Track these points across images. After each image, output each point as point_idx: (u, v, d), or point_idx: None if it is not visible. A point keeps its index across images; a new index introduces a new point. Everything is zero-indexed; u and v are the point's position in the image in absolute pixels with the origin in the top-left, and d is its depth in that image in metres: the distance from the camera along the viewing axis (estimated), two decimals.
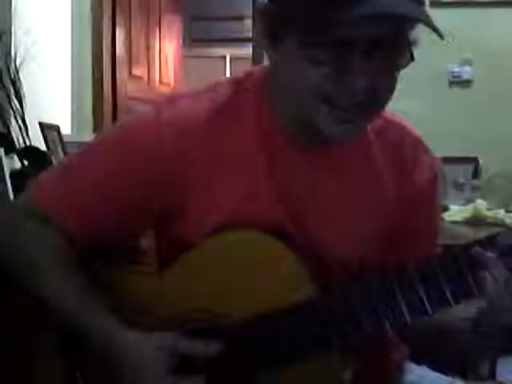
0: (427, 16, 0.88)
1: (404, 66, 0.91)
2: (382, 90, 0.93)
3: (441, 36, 0.86)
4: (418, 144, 1.09)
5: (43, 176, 1.10)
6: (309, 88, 0.91)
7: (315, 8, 0.86)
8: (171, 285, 1.02)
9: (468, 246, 0.90)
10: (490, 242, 0.89)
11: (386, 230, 1.08)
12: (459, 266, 0.89)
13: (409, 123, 1.11)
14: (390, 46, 0.89)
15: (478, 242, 0.89)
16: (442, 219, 2.41)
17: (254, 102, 1.03)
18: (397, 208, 1.07)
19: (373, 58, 0.88)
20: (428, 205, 1.10)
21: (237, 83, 1.05)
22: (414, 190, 1.07)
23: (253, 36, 4.14)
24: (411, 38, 0.91)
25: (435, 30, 0.87)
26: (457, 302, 0.89)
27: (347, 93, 0.90)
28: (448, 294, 0.89)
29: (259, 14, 0.96)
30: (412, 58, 0.91)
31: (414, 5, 0.88)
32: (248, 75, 1.06)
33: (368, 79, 0.88)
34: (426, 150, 1.10)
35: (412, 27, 0.91)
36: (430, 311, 0.90)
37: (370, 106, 0.93)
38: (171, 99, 1.05)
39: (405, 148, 1.08)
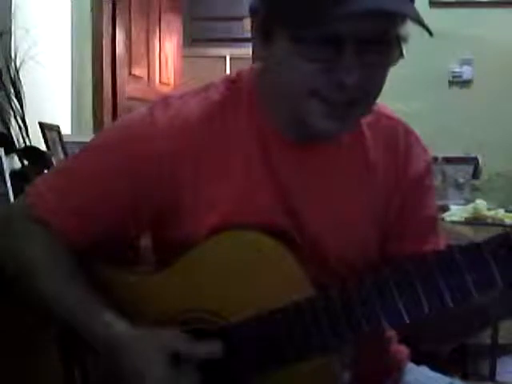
0: (417, 13, 0.89)
1: (394, 62, 0.92)
2: (373, 86, 0.93)
3: (430, 33, 0.87)
4: (409, 135, 1.10)
5: (40, 179, 1.11)
6: (299, 84, 0.92)
7: (306, 4, 0.87)
8: (170, 285, 1.02)
9: (466, 246, 0.90)
10: (487, 243, 0.89)
11: (383, 224, 1.08)
12: (458, 265, 0.89)
13: (398, 116, 1.12)
14: (380, 42, 0.90)
15: (476, 244, 0.89)
16: (442, 219, 2.41)
17: (247, 101, 1.03)
18: (393, 200, 1.07)
19: (363, 54, 0.89)
20: (423, 194, 1.10)
21: (229, 83, 1.06)
22: (408, 181, 1.08)
23: (251, 35, 4.14)
24: (401, 33, 0.92)
25: (425, 27, 0.87)
26: (455, 302, 0.89)
27: (337, 89, 0.90)
28: (446, 293, 0.89)
29: (251, 12, 0.97)
30: (401, 54, 0.91)
31: (404, 1, 0.88)
32: (240, 75, 1.07)
33: (358, 75, 0.89)
34: (417, 141, 1.11)
35: (402, 23, 0.91)
36: (427, 310, 0.90)
37: (360, 101, 0.94)
38: (165, 100, 1.05)
39: (397, 140, 1.08)
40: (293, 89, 0.93)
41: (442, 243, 1.10)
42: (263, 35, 0.95)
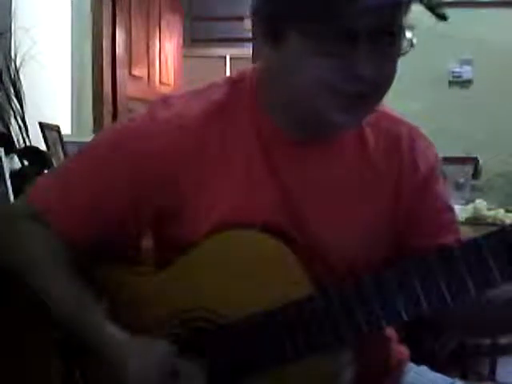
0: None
1: (405, 52, 0.93)
2: (384, 78, 0.94)
3: (444, 18, 0.88)
4: (412, 132, 1.10)
5: (41, 179, 1.11)
6: (315, 80, 0.92)
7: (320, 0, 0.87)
8: (171, 284, 1.02)
9: (465, 243, 0.90)
10: (487, 239, 0.89)
11: (388, 224, 1.07)
12: (457, 264, 0.89)
13: (399, 114, 1.12)
14: (390, 33, 0.91)
15: (474, 240, 0.89)
16: None
17: (249, 101, 1.03)
18: (399, 199, 1.07)
19: (376, 46, 0.90)
20: (434, 189, 1.10)
21: (231, 83, 1.06)
22: (417, 179, 1.07)
23: (253, 36, 4.14)
24: (407, 23, 0.93)
25: (435, 12, 0.88)
26: (454, 300, 0.89)
27: (354, 82, 0.91)
28: (445, 291, 0.89)
29: (255, 14, 0.96)
30: (412, 45, 0.92)
31: None
32: (242, 75, 1.07)
33: (374, 67, 0.90)
34: (421, 137, 1.11)
35: (407, 12, 0.92)
36: (426, 309, 0.90)
37: (374, 94, 0.95)
38: (165, 100, 1.05)
39: (401, 138, 1.08)
40: (307, 86, 0.93)
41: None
42: (271, 36, 0.95)
